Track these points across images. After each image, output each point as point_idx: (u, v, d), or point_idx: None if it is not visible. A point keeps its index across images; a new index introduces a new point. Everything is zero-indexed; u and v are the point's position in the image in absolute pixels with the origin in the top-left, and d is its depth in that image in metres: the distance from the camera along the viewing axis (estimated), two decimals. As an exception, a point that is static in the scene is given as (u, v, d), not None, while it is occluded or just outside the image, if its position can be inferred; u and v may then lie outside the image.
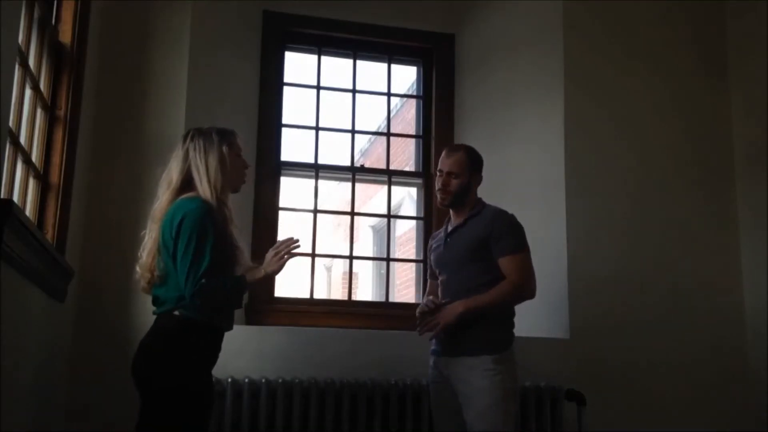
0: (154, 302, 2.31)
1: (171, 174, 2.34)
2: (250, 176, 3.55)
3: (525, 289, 2.58)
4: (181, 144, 2.37)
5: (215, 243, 2.20)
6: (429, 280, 2.92)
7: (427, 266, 2.94)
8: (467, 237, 2.64)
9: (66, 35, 2.65)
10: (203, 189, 2.27)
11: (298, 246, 2.38)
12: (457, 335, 2.57)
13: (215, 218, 2.24)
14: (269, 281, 3.53)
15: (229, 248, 2.30)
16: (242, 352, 3.02)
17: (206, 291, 2.17)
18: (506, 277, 2.57)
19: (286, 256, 2.34)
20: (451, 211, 2.76)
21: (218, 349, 2.34)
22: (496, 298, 2.53)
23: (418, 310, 2.64)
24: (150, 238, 2.33)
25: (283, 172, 3.67)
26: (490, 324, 2.56)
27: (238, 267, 2.36)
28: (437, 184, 2.70)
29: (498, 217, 2.64)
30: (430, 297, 2.70)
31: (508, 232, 2.60)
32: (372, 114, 6.40)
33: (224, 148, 2.33)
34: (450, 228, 2.73)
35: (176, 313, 2.22)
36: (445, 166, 2.68)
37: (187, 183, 2.31)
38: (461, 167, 2.67)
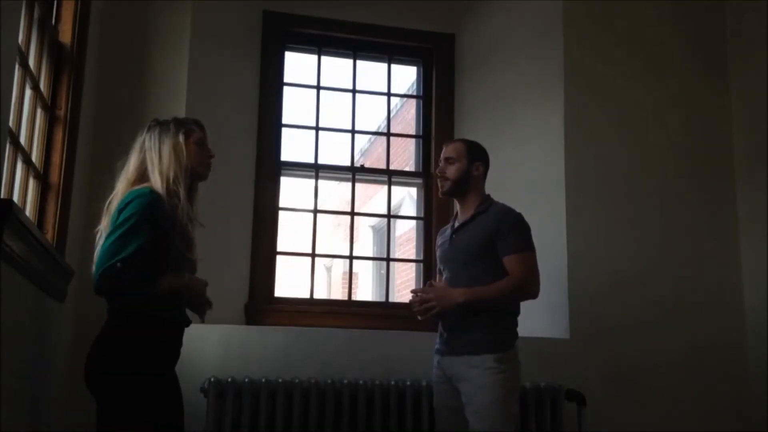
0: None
1: (128, 166, 2.27)
2: (250, 176, 3.57)
3: (528, 288, 2.56)
4: (139, 136, 2.31)
5: (152, 234, 2.10)
6: (436, 276, 2.91)
7: (435, 262, 2.95)
8: (473, 234, 2.62)
9: (66, 35, 2.65)
10: (155, 179, 2.20)
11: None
12: (461, 334, 2.57)
13: (162, 209, 2.14)
14: (269, 281, 3.53)
15: (179, 239, 2.20)
16: (242, 352, 3.02)
17: (117, 277, 2.03)
18: (510, 275, 2.56)
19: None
20: (457, 207, 2.75)
21: (178, 344, 2.27)
22: (497, 293, 2.52)
23: (413, 292, 2.64)
24: (103, 234, 2.23)
25: (283, 172, 3.67)
26: (494, 323, 2.56)
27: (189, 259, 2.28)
28: (437, 174, 2.74)
29: (504, 214, 2.62)
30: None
31: (514, 231, 2.58)
32: (372, 114, 6.40)
33: (180, 137, 2.26)
34: (457, 224, 2.71)
35: (126, 305, 2.13)
36: (444, 153, 2.73)
37: (142, 175, 2.24)
38: (458, 153, 2.69)
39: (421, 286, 3.56)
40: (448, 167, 2.68)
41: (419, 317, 2.58)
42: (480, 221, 2.64)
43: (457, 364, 2.55)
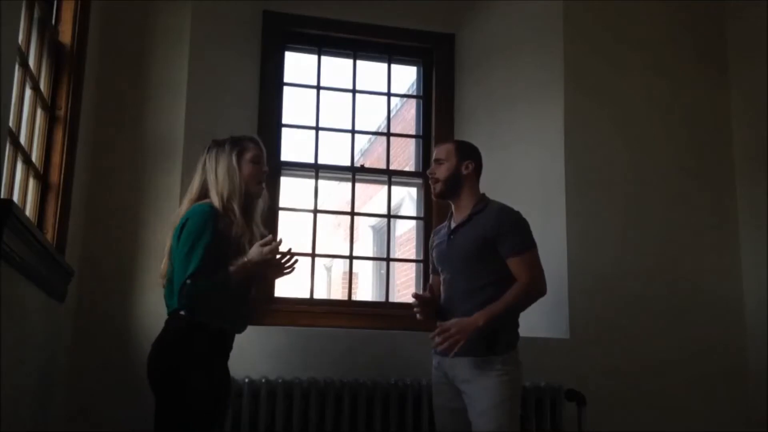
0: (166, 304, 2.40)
1: (192, 185, 2.47)
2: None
3: (537, 288, 2.55)
4: (201, 156, 2.50)
5: (209, 245, 2.26)
6: (431, 275, 2.88)
7: (429, 262, 2.91)
8: (472, 235, 2.60)
9: (66, 35, 2.65)
10: (212, 196, 2.39)
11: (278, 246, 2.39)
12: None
13: (216, 222, 2.31)
14: (269, 281, 3.52)
15: (232, 252, 2.34)
16: (242, 352, 3.01)
17: (190, 292, 2.23)
18: (516, 278, 2.54)
19: (268, 254, 2.34)
20: (452, 207, 2.74)
21: (224, 349, 2.39)
22: (511, 303, 2.50)
23: (414, 296, 2.62)
24: (167, 244, 2.44)
25: (283, 172, 3.67)
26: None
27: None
28: (428, 176, 2.73)
29: (503, 214, 2.61)
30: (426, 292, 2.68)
31: (515, 230, 2.57)
32: (372, 114, 6.40)
33: (233, 157, 2.43)
34: (453, 225, 2.70)
35: (182, 313, 2.30)
36: (435, 154, 2.73)
37: (204, 193, 2.44)
38: (447, 153, 2.69)
39: (421, 285, 3.53)
40: (437, 168, 2.68)
41: (450, 355, 2.48)
42: (477, 221, 2.62)
43: (459, 365, 2.54)
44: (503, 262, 2.57)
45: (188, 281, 2.22)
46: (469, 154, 2.70)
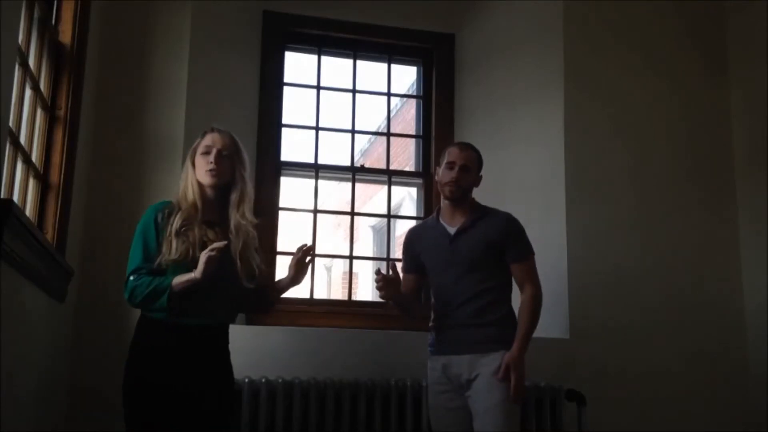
0: None
1: None
2: (250, 176, 3.55)
3: (540, 291, 2.63)
4: None
5: (147, 243, 2.31)
6: (404, 274, 2.80)
7: (404, 260, 2.87)
8: (479, 240, 2.62)
9: (66, 35, 2.65)
10: None
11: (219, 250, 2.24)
12: (465, 332, 2.57)
13: (156, 217, 2.34)
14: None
15: (178, 242, 2.29)
16: (242, 352, 3.01)
17: (129, 288, 2.27)
18: (518, 282, 2.63)
19: (208, 256, 2.21)
20: (446, 210, 2.73)
21: (187, 346, 2.30)
22: (533, 317, 2.58)
23: (377, 272, 2.57)
24: None
25: (283, 172, 3.67)
26: (498, 321, 2.57)
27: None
28: (446, 177, 2.65)
29: (511, 221, 2.68)
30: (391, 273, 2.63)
31: (521, 237, 2.66)
32: (372, 114, 6.41)
33: (190, 153, 2.47)
34: (453, 229, 2.68)
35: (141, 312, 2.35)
36: (461, 159, 2.66)
37: None
38: (474, 164, 2.71)
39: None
40: (464, 176, 2.66)
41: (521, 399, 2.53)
42: (482, 226, 2.64)
43: (464, 362, 2.55)
44: (504, 266, 2.64)
45: (131, 278, 2.27)
46: (482, 165, 2.76)
